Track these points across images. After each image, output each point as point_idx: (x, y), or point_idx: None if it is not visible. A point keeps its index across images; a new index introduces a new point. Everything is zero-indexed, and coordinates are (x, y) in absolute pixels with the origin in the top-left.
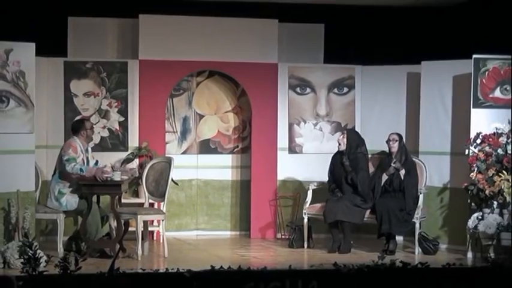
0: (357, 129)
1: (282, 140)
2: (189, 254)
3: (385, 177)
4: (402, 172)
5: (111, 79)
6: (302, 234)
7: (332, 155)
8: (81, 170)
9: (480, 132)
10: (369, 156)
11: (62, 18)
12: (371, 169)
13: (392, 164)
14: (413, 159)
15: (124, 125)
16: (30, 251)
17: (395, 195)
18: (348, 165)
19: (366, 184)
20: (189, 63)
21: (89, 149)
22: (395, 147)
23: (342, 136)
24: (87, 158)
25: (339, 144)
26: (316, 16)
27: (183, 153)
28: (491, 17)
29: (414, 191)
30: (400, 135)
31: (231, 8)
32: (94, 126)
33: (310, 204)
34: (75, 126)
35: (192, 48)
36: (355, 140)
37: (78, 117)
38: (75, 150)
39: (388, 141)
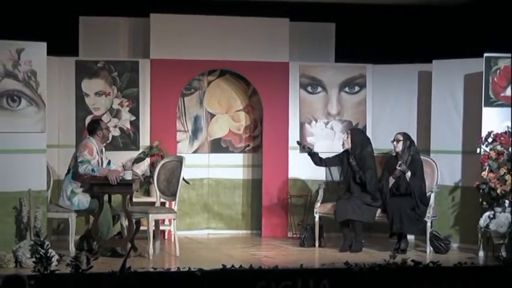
0: (368, 128)
1: (293, 139)
2: (201, 253)
3: (391, 179)
4: (408, 174)
5: (122, 78)
6: (313, 233)
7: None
8: (93, 170)
9: (492, 131)
10: (376, 154)
11: (74, 17)
12: (378, 169)
13: (397, 167)
14: (425, 158)
15: (135, 124)
16: (42, 250)
17: (405, 197)
18: (355, 165)
19: (374, 182)
20: (200, 62)
21: (103, 149)
22: (399, 147)
23: (346, 136)
24: (101, 158)
25: (343, 144)
26: (327, 15)
27: (194, 152)
28: (502, 15)
29: (422, 192)
30: (405, 135)
31: (242, 7)
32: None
33: (322, 203)
34: (91, 127)
35: (203, 47)
36: (359, 139)
37: (91, 117)
38: (91, 152)
39: (392, 141)
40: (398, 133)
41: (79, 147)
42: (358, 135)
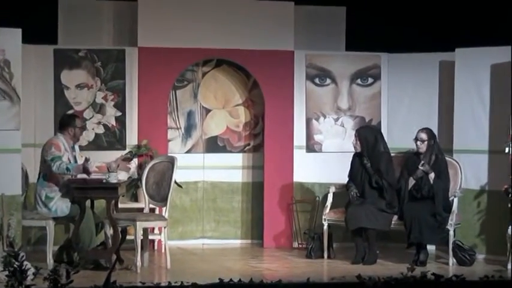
0: (383, 124)
1: (299, 137)
2: (195, 266)
3: (412, 181)
4: (431, 176)
5: (106, 69)
6: (321, 243)
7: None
8: (67, 169)
9: None
10: (393, 154)
11: (52, 0)
12: (396, 169)
13: (420, 167)
14: (447, 158)
15: (121, 121)
16: (16, 263)
17: (425, 201)
18: (370, 166)
19: (393, 187)
20: (194, 51)
21: (76, 148)
22: (423, 147)
23: (354, 140)
24: (75, 157)
25: (355, 147)
26: None
27: (188, 152)
28: None
29: (446, 197)
30: (430, 133)
31: None
32: (87, 123)
33: (331, 209)
34: (64, 122)
35: (197, 34)
36: (370, 137)
37: (69, 112)
38: (59, 149)
39: (415, 140)
40: (422, 131)
41: (45, 147)
42: (366, 132)
